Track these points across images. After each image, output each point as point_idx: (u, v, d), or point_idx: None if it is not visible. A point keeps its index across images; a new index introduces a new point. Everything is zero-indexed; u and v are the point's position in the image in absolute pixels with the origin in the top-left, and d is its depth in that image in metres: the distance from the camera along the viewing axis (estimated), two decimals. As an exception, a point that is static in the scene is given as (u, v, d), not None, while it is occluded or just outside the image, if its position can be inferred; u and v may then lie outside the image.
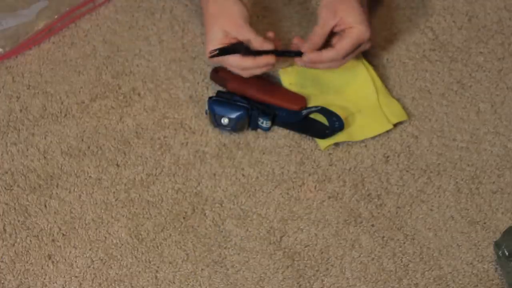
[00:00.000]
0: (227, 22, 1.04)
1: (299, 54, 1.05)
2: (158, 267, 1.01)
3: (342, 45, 1.04)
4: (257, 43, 1.04)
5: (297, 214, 1.05)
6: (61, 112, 1.11)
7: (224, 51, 1.03)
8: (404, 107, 1.13)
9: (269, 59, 1.04)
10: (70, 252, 1.02)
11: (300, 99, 1.11)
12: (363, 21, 1.04)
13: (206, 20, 1.07)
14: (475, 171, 1.09)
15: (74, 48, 1.17)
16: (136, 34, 1.18)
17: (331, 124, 1.09)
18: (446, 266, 1.03)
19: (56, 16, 1.16)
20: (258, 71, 1.06)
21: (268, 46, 1.04)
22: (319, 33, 1.05)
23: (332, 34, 1.06)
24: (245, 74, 1.06)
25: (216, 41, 1.04)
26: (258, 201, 1.06)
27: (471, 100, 1.15)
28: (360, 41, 1.04)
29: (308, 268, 1.02)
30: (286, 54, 1.09)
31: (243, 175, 1.08)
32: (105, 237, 1.03)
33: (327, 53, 1.04)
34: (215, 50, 1.03)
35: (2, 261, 1.01)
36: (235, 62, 1.04)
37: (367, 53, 1.16)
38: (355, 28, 1.03)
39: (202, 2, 1.09)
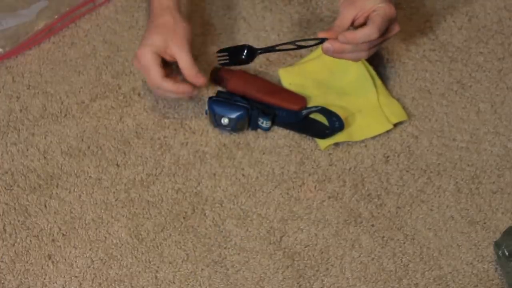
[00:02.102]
0: (171, 36, 1.04)
1: (322, 41, 1.00)
2: (158, 267, 1.01)
3: (373, 20, 0.99)
4: (189, 70, 1.04)
5: (297, 214, 1.05)
6: (61, 112, 1.12)
7: (232, 52, 1.04)
8: (404, 107, 1.13)
9: (188, 88, 1.04)
10: (70, 252, 1.02)
11: (300, 99, 1.11)
12: (384, 1, 1.00)
13: (149, 28, 1.06)
14: (475, 171, 1.09)
15: (74, 48, 1.17)
16: (136, 34, 1.18)
17: (331, 124, 1.09)
18: (446, 266, 1.03)
19: (56, 16, 1.16)
20: (172, 96, 1.07)
21: (199, 79, 1.04)
22: (338, 25, 1.01)
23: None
24: (157, 93, 1.07)
25: (154, 47, 1.03)
26: (258, 201, 1.06)
27: (471, 100, 1.15)
28: (389, 14, 1.00)
29: (308, 268, 1.02)
30: (309, 43, 1.03)
31: (243, 175, 1.08)
32: (105, 237, 1.03)
33: (363, 31, 0.99)
34: (224, 51, 1.04)
35: (2, 261, 1.01)
36: (155, 78, 1.03)
37: (367, 53, 1.16)
38: (378, 8, 0.99)
39: (151, 11, 1.08)
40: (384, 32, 1.01)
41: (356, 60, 1.04)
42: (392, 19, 1.01)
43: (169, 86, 1.03)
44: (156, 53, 1.03)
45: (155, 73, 1.03)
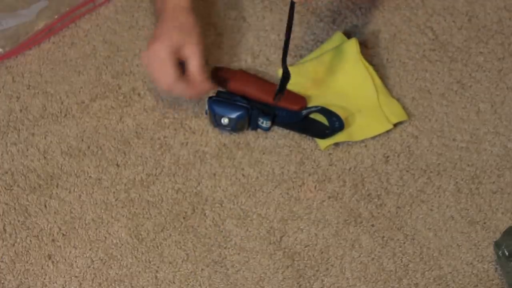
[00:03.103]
0: (190, 36, 1.02)
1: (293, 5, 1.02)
2: (158, 267, 1.01)
3: None
4: (199, 75, 1.03)
5: (297, 214, 1.05)
6: (61, 112, 1.12)
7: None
8: (404, 107, 1.13)
9: (197, 92, 1.04)
10: (70, 252, 1.02)
11: (300, 99, 1.11)
12: None
13: (166, 26, 1.03)
14: (475, 171, 1.09)
15: (74, 48, 1.17)
16: (136, 34, 1.18)
17: (331, 124, 1.09)
18: (446, 266, 1.03)
19: (56, 16, 1.16)
20: (176, 95, 1.06)
21: (206, 86, 1.05)
22: None
23: None
24: (161, 90, 1.05)
25: (172, 44, 1.01)
26: (258, 201, 1.06)
27: (471, 100, 1.15)
28: None
29: (308, 268, 1.02)
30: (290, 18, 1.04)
31: (243, 175, 1.08)
32: (105, 237, 1.03)
33: None
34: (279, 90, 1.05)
35: (2, 261, 1.01)
36: (169, 78, 1.01)
37: (367, 53, 1.16)
38: None
39: (164, 11, 1.05)
40: None
41: None
42: None
43: (179, 89, 1.02)
44: (172, 52, 1.01)
45: (171, 72, 1.01)
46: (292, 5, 1.02)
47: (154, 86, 1.14)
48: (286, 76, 1.05)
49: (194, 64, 1.03)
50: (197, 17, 1.06)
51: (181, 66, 1.03)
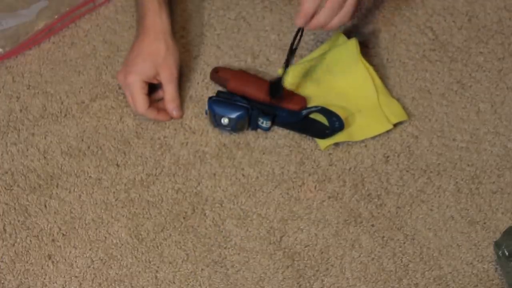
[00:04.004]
0: (162, 65, 1.07)
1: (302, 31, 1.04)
2: (158, 267, 1.01)
3: None
4: (172, 103, 1.09)
5: (297, 214, 1.05)
6: (61, 112, 1.12)
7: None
8: (404, 107, 1.13)
9: (167, 118, 1.10)
10: (70, 252, 1.02)
11: (300, 99, 1.10)
12: None
13: (140, 53, 1.07)
14: (475, 171, 1.09)
15: (74, 48, 1.17)
16: (136, 34, 1.18)
17: (331, 124, 1.09)
18: (446, 266, 1.03)
19: (56, 16, 1.16)
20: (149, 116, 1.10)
21: (177, 113, 1.10)
22: None
23: None
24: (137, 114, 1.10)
25: (144, 75, 1.06)
26: (258, 201, 1.06)
27: (471, 100, 1.15)
28: None
29: (308, 268, 1.02)
30: (296, 39, 1.06)
31: (243, 175, 1.08)
32: (105, 237, 1.03)
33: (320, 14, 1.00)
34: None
35: (2, 261, 1.01)
36: (140, 107, 1.07)
37: (367, 53, 1.16)
38: None
39: (142, 29, 1.08)
40: None
41: (344, 21, 1.03)
42: None
43: (152, 115, 1.09)
44: (145, 82, 1.07)
45: (142, 103, 1.07)
46: (300, 30, 1.04)
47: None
48: (278, 84, 1.07)
49: (168, 92, 1.09)
50: (173, 39, 1.08)
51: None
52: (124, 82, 1.07)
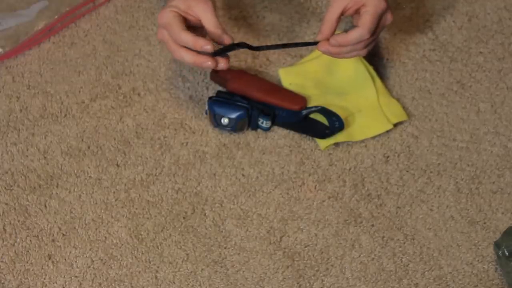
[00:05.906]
0: (195, 1, 0.98)
1: (316, 43, 1.01)
2: (158, 267, 1.01)
3: (363, 21, 0.98)
4: (214, 29, 0.98)
5: (297, 214, 1.05)
6: (61, 112, 1.12)
7: (226, 48, 0.99)
8: (404, 107, 1.13)
9: (207, 44, 0.96)
10: (70, 252, 1.02)
11: (300, 99, 1.10)
12: None
13: None
14: (475, 171, 1.09)
15: (74, 48, 1.17)
16: (136, 34, 1.18)
17: (331, 124, 1.09)
18: (446, 266, 1.03)
19: (56, 16, 1.16)
20: (191, 60, 0.97)
21: (226, 39, 0.99)
22: (327, 20, 0.99)
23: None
24: (176, 55, 0.98)
25: (175, 8, 0.97)
26: (258, 201, 1.06)
27: (471, 100, 1.15)
28: (379, 10, 0.98)
29: (308, 268, 1.02)
30: (302, 45, 1.05)
31: (243, 175, 1.08)
32: (105, 237, 1.03)
33: (353, 33, 0.98)
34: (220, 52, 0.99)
35: (2, 261, 1.01)
36: (175, 33, 0.96)
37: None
38: (369, 3, 0.98)
39: None
40: (377, 26, 1.00)
41: (357, 55, 1.03)
42: (383, 12, 1.00)
43: (188, 37, 0.95)
44: (177, 13, 0.97)
45: (176, 27, 0.96)
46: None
47: (154, 86, 1.14)
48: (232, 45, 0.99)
49: (207, 20, 0.99)
50: None
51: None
52: (158, 24, 0.98)
